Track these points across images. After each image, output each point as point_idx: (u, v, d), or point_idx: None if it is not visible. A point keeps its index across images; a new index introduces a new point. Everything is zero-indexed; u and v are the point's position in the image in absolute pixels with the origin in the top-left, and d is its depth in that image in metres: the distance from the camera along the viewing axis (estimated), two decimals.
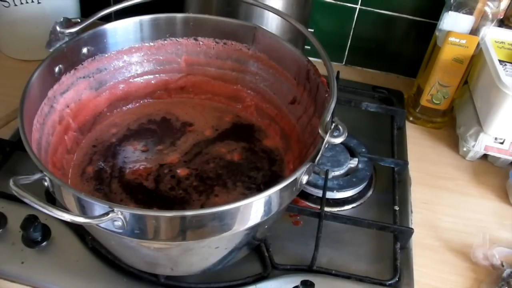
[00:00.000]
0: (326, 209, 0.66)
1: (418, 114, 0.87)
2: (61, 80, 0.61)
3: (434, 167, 0.80)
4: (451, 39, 0.77)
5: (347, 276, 0.61)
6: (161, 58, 0.71)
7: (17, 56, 0.91)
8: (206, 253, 0.52)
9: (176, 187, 0.61)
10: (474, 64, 0.81)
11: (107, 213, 0.43)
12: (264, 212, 0.49)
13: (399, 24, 0.93)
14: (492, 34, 0.78)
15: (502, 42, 0.78)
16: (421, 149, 0.82)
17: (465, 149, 0.80)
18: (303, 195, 0.70)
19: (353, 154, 0.75)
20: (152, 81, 0.72)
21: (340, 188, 0.70)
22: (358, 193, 0.72)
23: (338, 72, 0.90)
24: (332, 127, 0.49)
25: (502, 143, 0.77)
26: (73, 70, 0.63)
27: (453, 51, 0.78)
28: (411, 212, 0.71)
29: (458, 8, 0.76)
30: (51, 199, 0.55)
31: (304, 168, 0.49)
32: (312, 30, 0.68)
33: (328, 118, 0.50)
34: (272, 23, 0.77)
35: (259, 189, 0.61)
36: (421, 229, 0.69)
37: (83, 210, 0.46)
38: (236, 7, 0.76)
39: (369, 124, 0.85)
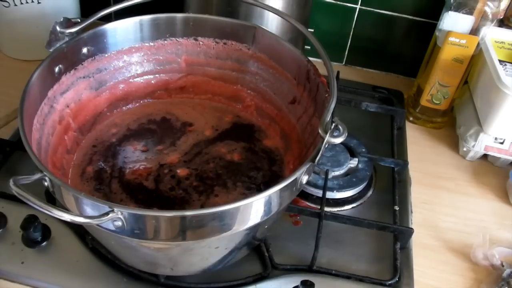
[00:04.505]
0: (326, 209, 0.66)
1: (418, 114, 0.87)
2: (61, 80, 0.61)
3: (434, 167, 0.80)
4: (451, 39, 0.77)
5: (347, 276, 0.61)
6: (161, 58, 0.71)
7: (17, 56, 0.91)
8: (206, 253, 0.52)
9: (176, 187, 0.61)
10: (474, 64, 0.81)
11: (107, 213, 0.43)
12: (264, 212, 0.49)
13: (399, 24, 0.93)
14: (492, 34, 0.78)
15: (502, 42, 0.78)
16: (421, 149, 0.82)
17: (465, 149, 0.80)
18: (303, 195, 0.70)
19: (353, 154, 0.75)
20: (152, 81, 0.72)
21: (340, 188, 0.70)
22: (358, 193, 0.72)
23: (338, 72, 0.90)
24: (332, 127, 0.49)
25: (502, 143, 0.77)
26: (73, 70, 0.63)
27: (453, 51, 0.78)
28: (411, 212, 0.71)
29: (458, 8, 0.76)
30: (51, 199, 0.55)
31: (304, 168, 0.49)
32: (312, 30, 0.68)
33: (328, 118, 0.50)
34: (272, 23, 0.77)
35: (259, 189, 0.61)
36: (421, 229, 0.69)
37: (83, 210, 0.46)
38: (236, 7, 0.76)
39: (369, 124, 0.85)
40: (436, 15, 0.83)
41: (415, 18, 0.91)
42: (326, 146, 0.49)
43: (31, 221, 0.59)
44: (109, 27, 0.65)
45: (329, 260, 0.63)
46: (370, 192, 0.73)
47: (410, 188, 0.74)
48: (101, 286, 0.58)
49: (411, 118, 0.88)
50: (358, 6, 0.92)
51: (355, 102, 0.84)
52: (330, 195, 0.70)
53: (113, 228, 0.45)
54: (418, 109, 0.86)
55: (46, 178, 0.46)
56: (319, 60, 0.58)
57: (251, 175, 0.63)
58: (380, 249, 0.65)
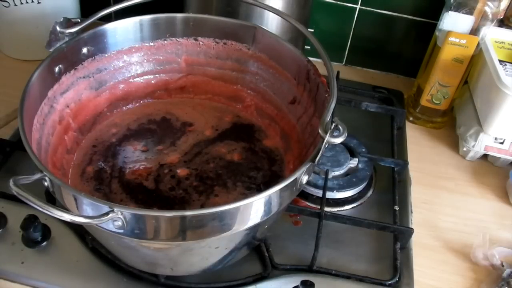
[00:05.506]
0: (326, 209, 0.66)
1: (418, 114, 0.87)
2: (61, 80, 0.62)
3: (434, 167, 0.80)
4: (451, 39, 0.77)
5: (347, 276, 0.61)
6: (161, 58, 0.71)
7: (17, 56, 0.91)
8: (206, 253, 0.52)
9: (176, 187, 0.61)
10: (474, 64, 0.81)
11: (107, 213, 0.43)
12: (264, 212, 0.49)
13: (399, 24, 0.93)
14: (492, 34, 0.78)
15: (502, 42, 0.78)
16: (421, 149, 0.82)
17: (465, 149, 0.80)
18: (303, 195, 0.70)
19: (353, 154, 0.75)
20: (152, 81, 0.72)
21: (340, 188, 0.70)
22: (358, 193, 0.72)
23: (338, 72, 0.90)
24: (332, 127, 0.49)
25: (502, 143, 0.77)
26: (73, 70, 0.63)
27: (453, 51, 0.78)
28: (411, 212, 0.71)
29: (458, 8, 0.76)
30: (51, 199, 0.55)
31: (304, 168, 0.49)
32: (312, 30, 0.68)
33: (328, 118, 0.50)
34: (272, 23, 0.77)
35: (259, 189, 0.61)
36: (421, 229, 0.69)
37: (83, 210, 0.46)
38: (236, 7, 0.76)
39: (369, 124, 0.85)
40: (436, 15, 0.83)
41: (415, 18, 0.91)
42: (326, 146, 0.49)
43: (31, 221, 0.59)
44: (109, 27, 0.65)
45: (329, 260, 0.63)
46: (370, 192, 0.73)
47: (410, 188, 0.74)
48: (101, 286, 0.58)
49: (411, 118, 0.88)
50: (358, 6, 0.92)
51: (355, 102, 0.84)
52: (330, 195, 0.70)
53: (113, 228, 0.45)
54: (418, 109, 0.86)
55: (46, 178, 0.46)
56: (319, 60, 0.58)
57: (251, 175, 0.63)
58: (380, 249, 0.65)
